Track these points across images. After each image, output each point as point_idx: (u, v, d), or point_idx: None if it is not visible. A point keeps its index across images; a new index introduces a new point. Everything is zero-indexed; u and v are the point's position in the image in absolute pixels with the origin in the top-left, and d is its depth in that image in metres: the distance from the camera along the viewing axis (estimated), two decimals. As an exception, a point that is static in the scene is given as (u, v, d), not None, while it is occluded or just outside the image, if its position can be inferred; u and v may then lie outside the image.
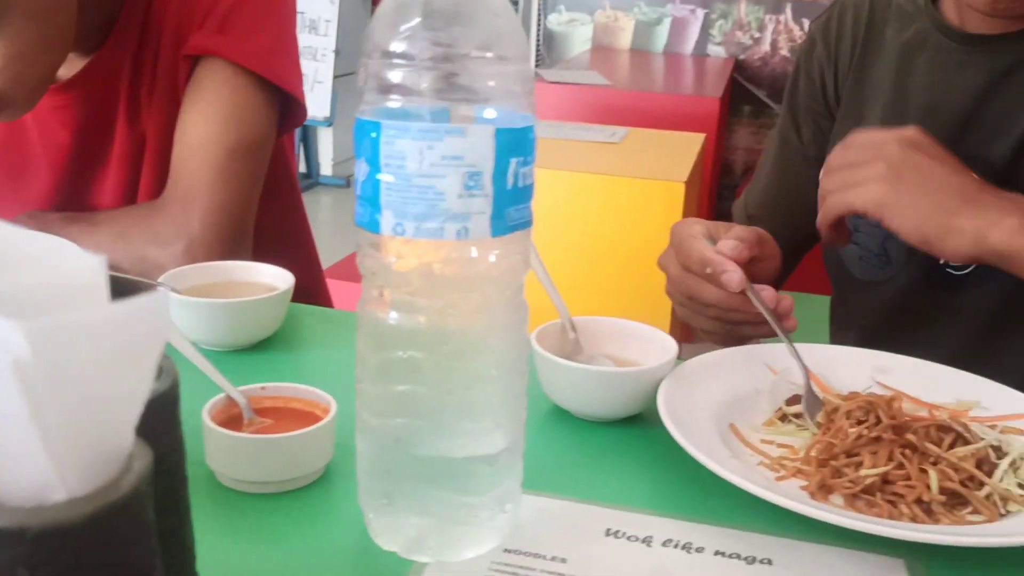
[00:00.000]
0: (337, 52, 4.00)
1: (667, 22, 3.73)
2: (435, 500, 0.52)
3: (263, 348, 0.81)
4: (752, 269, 0.80)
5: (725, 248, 0.76)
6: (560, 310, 0.76)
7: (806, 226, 1.07)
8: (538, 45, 3.89)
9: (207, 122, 0.91)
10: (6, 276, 0.31)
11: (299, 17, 3.93)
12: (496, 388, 0.52)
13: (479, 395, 0.52)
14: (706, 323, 0.83)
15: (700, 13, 3.70)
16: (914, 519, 0.59)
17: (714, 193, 3.54)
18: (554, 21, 3.85)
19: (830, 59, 1.03)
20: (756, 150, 3.73)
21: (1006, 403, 0.71)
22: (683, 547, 0.57)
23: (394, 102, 0.48)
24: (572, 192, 1.99)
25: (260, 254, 0.91)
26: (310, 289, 1.16)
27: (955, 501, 0.61)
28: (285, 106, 1.00)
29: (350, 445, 0.56)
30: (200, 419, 0.60)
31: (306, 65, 3.90)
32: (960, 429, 0.66)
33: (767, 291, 0.75)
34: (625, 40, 3.78)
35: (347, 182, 4.47)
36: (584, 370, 0.69)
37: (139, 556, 0.34)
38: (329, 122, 4.06)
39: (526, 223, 0.51)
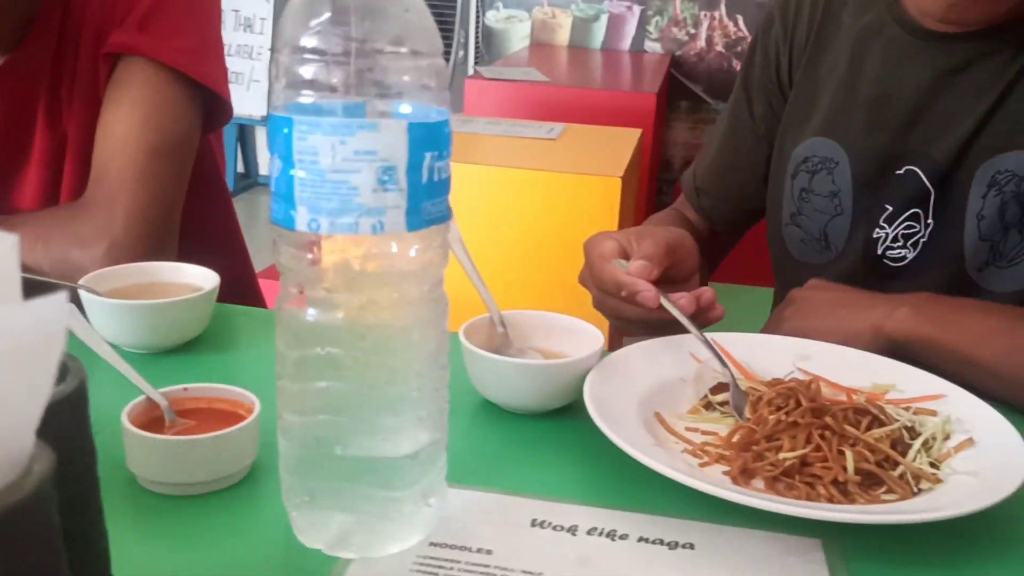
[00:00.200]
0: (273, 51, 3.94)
1: (604, 19, 3.76)
2: (357, 496, 0.52)
3: (190, 349, 0.80)
4: (669, 274, 0.81)
5: (635, 270, 0.77)
6: (488, 304, 0.76)
7: (753, 201, 1.10)
8: (476, 42, 3.89)
9: (128, 121, 0.89)
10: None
11: (234, 16, 3.88)
12: (417, 382, 0.52)
13: (399, 390, 0.52)
14: (638, 331, 0.84)
15: (637, 10, 3.73)
16: (831, 500, 0.61)
17: (653, 188, 3.58)
18: (492, 18, 3.86)
19: (786, 38, 1.03)
20: (694, 145, 3.78)
21: (920, 386, 0.73)
22: (607, 535, 0.58)
23: (306, 97, 0.48)
24: (509, 188, 1.99)
25: (187, 255, 0.90)
26: (241, 290, 1.15)
27: (870, 481, 0.63)
28: (210, 104, 0.98)
29: (276, 444, 0.56)
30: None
31: (241, 64, 3.85)
32: (876, 411, 0.68)
33: (683, 299, 0.76)
34: (563, 37, 3.80)
35: (287, 182, 4.38)
36: (510, 363, 0.70)
37: (42, 559, 0.33)
38: (266, 121, 3.99)
39: (443, 217, 0.51)
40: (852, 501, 0.61)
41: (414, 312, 0.51)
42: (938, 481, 0.63)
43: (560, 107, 2.78)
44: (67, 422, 0.39)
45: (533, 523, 0.59)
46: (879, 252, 0.94)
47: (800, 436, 0.64)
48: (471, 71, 3.67)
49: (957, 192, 0.89)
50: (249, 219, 0.81)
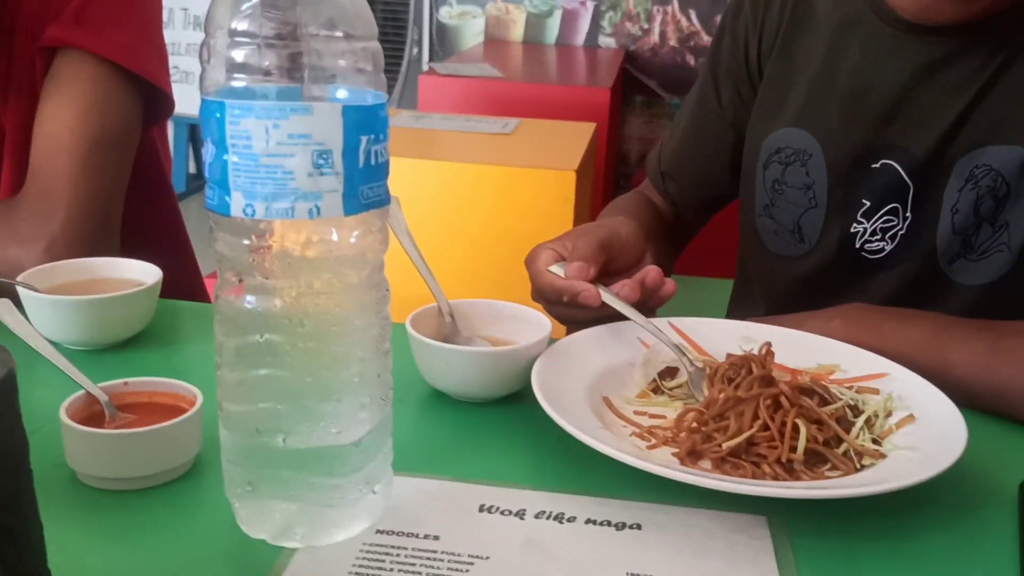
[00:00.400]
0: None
1: (558, 14, 3.77)
2: (300, 484, 0.52)
3: (133, 346, 0.79)
4: (610, 269, 0.81)
5: (572, 273, 0.77)
6: (435, 293, 0.76)
7: (719, 188, 1.09)
8: (430, 39, 3.88)
9: (66, 115, 0.87)
10: None
11: (183, 14, 3.83)
12: (358, 369, 0.52)
13: (341, 376, 0.51)
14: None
15: (590, 5, 3.75)
16: (776, 478, 0.62)
17: (610, 182, 3.60)
18: (445, 14, 3.85)
19: (756, 24, 1.01)
20: (650, 139, 3.80)
21: (863, 366, 0.74)
22: (555, 518, 0.58)
23: (238, 81, 0.47)
24: (464, 183, 1.99)
25: (130, 253, 0.88)
26: (187, 291, 1.13)
27: (815, 459, 0.64)
28: (150, 98, 0.97)
29: (219, 437, 0.55)
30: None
31: (192, 63, 3.80)
32: (820, 391, 0.69)
33: (625, 288, 0.76)
34: (517, 33, 3.80)
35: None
36: (457, 351, 0.70)
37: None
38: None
39: (382, 201, 0.51)
40: (797, 479, 0.62)
41: (354, 298, 0.51)
42: (881, 457, 0.64)
43: (515, 102, 2.78)
44: (-7, 414, 0.39)
45: (481, 508, 0.59)
46: (857, 246, 0.94)
47: (748, 413, 0.64)
48: (425, 68, 3.65)
49: (934, 186, 0.89)
50: (200, 221, 0.79)
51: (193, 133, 4.22)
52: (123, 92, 0.91)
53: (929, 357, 0.74)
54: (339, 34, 0.48)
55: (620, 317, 0.77)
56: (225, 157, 0.47)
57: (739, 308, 1.12)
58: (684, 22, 3.71)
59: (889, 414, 0.68)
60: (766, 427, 0.64)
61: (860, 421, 0.67)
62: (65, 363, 0.61)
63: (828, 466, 0.63)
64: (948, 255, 0.90)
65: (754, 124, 1.01)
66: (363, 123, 0.48)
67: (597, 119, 2.56)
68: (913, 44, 0.89)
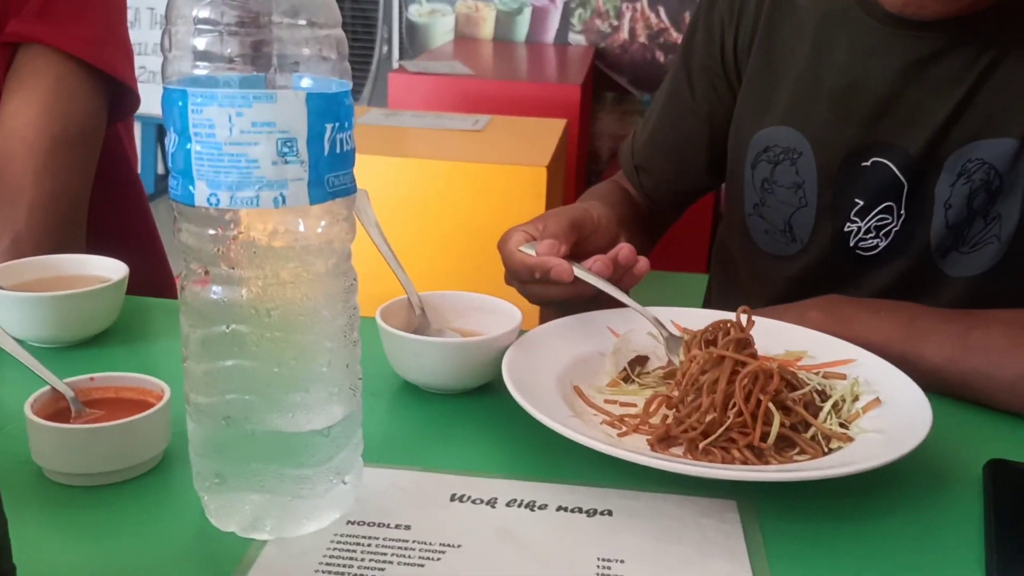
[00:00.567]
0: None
1: (527, 12, 3.77)
2: (270, 476, 0.52)
3: (100, 342, 0.78)
4: (582, 250, 0.81)
5: (543, 250, 0.77)
6: (405, 286, 0.76)
7: (693, 180, 1.08)
8: (400, 37, 3.87)
9: (30, 111, 0.86)
10: None
11: (150, 13, 3.79)
12: (327, 358, 0.52)
13: (309, 366, 0.51)
14: (579, 311, 0.83)
15: (560, 2, 3.75)
16: (745, 462, 0.62)
17: (582, 179, 3.60)
18: (415, 12, 3.84)
19: (732, 19, 0.99)
20: (621, 136, 3.81)
21: (831, 352, 0.74)
22: (526, 506, 0.58)
23: (201, 70, 0.47)
24: (436, 180, 1.99)
25: (98, 249, 0.87)
26: (157, 286, 1.12)
27: (783, 444, 0.64)
28: (115, 93, 0.96)
29: (187, 430, 0.55)
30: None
31: (159, 62, 3.76)
32: (788, 377, 0.70)
33: (597, 263, 0.76)
34: (487, 30, 3.80)
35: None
36: (427, 342, 0.69)
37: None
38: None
39: (348, 190, 0.51)
40: (766, 463, 0.62)
41: (321, 287, 0.51)
42: (848, 440, 0.64)
43: (485, 100, 2.78)
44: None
45: (452, 498, 0.59)
46: (851, 244, 0.94)
47: (722, 380, 0.64)
48: (395, 66, 3.64)
49: (928, 182, 0.89)
50: (170, 220, 0.77)
51: (161, 133, 4.18)
52: (87, 87, 0.90)
53: (900, 347, 0.75)
54: (302, 22, 0.48)
55: (594, 296, 0.77)
56: (188, 146, 0.47)
57: (721, 304, 1.11)
58: (653, 19, 3.73)
59: (856, 398, 0.68)
60: (740, 413, 0.65)
61: (827, 406, 0.67)
62: (30, 360, 0.61)
63: (796, 450, 0.64)
64: (941, 249, 0.91)
65: (739, 121, 1.00)
66: (328, 111, 0.48)
67: (568, 116, 2.56)
68: (902, 40, 0.87)
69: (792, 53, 0.95)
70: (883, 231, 0.92)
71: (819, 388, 0.69)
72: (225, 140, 0.46)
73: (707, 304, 1.15)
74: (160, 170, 4.12)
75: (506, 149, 2.11)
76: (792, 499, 0.60)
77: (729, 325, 0.70)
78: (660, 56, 3.73)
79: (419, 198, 1.98)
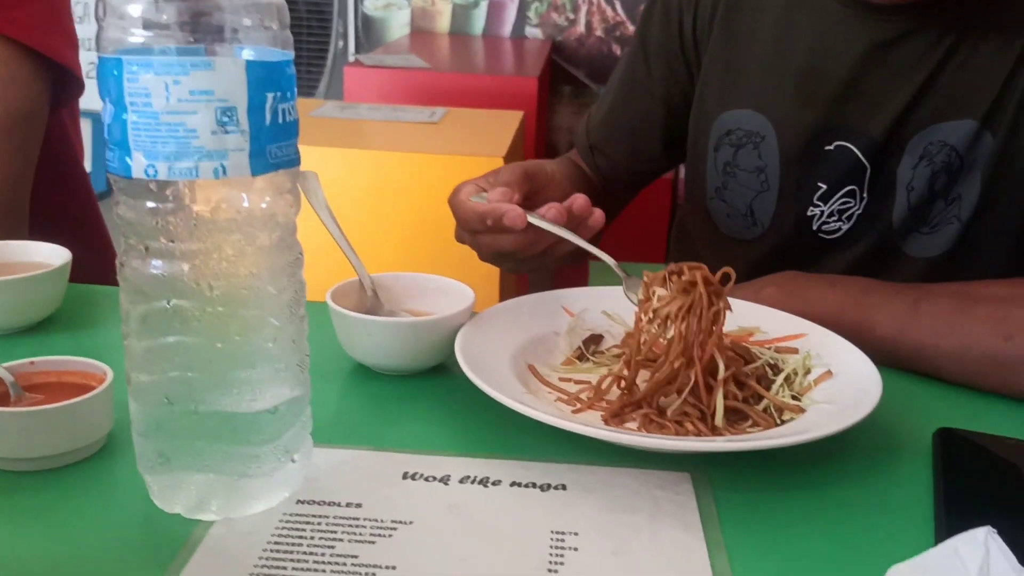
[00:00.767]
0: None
1: (484, 5, 3.76)
2: (215, 454, 0.51)
3: (42, 330, 0.77)
4: (534, 203, 0.79)
5: (494, 197, 0.75)
6: (356, 267, 0.75)
7: (648, 161, 1.08)
8: (356, 31, 3.84)
9: (-32, 96, 0.84)
10: None
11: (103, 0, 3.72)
12: (272, 334, 0.51)
13: (254, 342, 0.50)
14: (531, 266, 0.81)
15: (516, -4, 3.75)
16: (699, 435, 0.62)
17: (540, 172, 3.60)
18: (371, 6, 3.81)
19: (691, 0, 0.99)
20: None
21: (783, 327, 0.75)
22: (480, 482, 0.58)
23: (136, 38, 0.46)
24: (392, 172, 1.97)
25: (42, 236, 0.85)
26: (103, 275, 1.10)
27: (736, 416, 0.64)
28: (59, 78, 0.94)
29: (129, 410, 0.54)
30: (-41, 399, 0.56)
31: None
32: (741, 352, 0.70)
33: (551, 211, 0.74)
34: (443, 24, 3.79)
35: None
36: (377, 322, 0.69)
37: None
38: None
39: (291, 162, 0.50)
40: (719, 435, 0.62)
41: (265, 261, 0.50)
42: (800, 411, 0.65)
43: (442, 93, 2.77)
44: None
45: (404, 476, 0.58)
46: (814, 228, 0.94)
47: (686, 322, 0.64)
48: (351, 60, 3.62)
49: (890, 165, 0.90)
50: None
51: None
52: (28, 71, 0.88)
53: (851, 318, 0.76)
54: (241, -11, 0.47)
55: (546, 250, 0.75)
56: (124, 116, 0.46)
57: None
58: (610, 12, 3.74)
59: (808, 371, 0.69)
60: (693, 390, 0.64)
61: (779, 379, 0.68)
62: (-34, 344, 0.59)
63: (749, 423, 0.64)
64: (903, 230, 0.91)
65: (701, 103, 1.00)
66: (268, 80, 0.47)
67: (525, 108, 2.56)
68: (866, 23, 0.88)
69: (755, 36, 0.95)
70: (846, 214, 0.93)
71: (772, 362, 0.70)
72: (162, 109, 0.45)
73: None
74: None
75: (463, 141, 2.10)
76: (745, 470, 0.60)
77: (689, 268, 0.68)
78: (617, 49, 3.74)
79: (375, 190, 1.96)
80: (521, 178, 0.78)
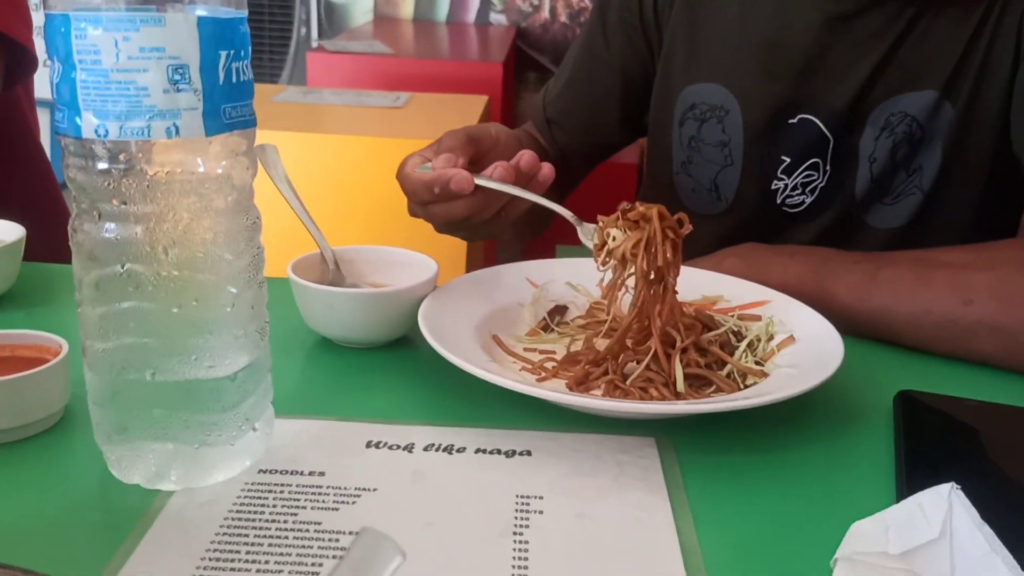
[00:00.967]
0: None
1: (448, -8, 3.74)
2: (173, 423, 0.50)
3: (-4, 308, 0.75)
4: (481, 165, 0.77)
5: (439, 164, 0.74)
6: (317, 239, 0.74)
7: (606, 134, 1.06)
8: (319, 17, 3.80)
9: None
10: None
11: (55, -5, 3.66)
12: (229, 300, 0.50)
13: (210, 308, 0.49)
14: (488, 231, 0.80)
15: (480, -18, 3.73)
16: (664, 400, 0.62)
17: (506, 159, 3.59)
18: (333, -7, 3.77)
19: None
20: (544, 116, 3.81)
21: (746, 295, 0.75)
22: (444, 449, 0.57)
23: (84, -6, 0.44)
24: (356, 156, 1.96)
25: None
26: (61, 254, 1.08)
27: (700, 383, 0.65)
28: (12, 55, 0.92)
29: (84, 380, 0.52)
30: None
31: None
32: (706, 320, 0.70)
33: (498, 170, 0.72)
34: (407, 10, 3.76)
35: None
36: (339, 293, 0.68)
37: None
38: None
39: (247, 123, 0.49)
40: (683, 400, 0.62)
41: (222, 224, 0.49)
42: (763, 376, 0.65)
43: (406, 79, 2.75)
44: None
45: (368, 444, 0.58)
46: (778, 202, 0.95)
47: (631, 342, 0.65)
48: (314, 46, 3.58)
49: (852, 137, 0.90)
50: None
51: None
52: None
53: (811, 288, 0.76)
54: (192, -54, 0.46)
55: (500, 212, 0.74)
56: (73, 75, 0.45)
57: None
58: (574, -2, 3.73)
59: (771, 337, 0.69)
60: (655, 357, 0.65)
61: (743, 345, 0.68)
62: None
63: (713, 388, 0.65)
64: (865, 202, 0.92)
65: (666, 77, 0.99)
66: (221, 37, 0.46)
67: (490, 94, 2.55)
68: None
69: (718, 9, 0.95)
70: (809, 187, 0.94)
71: (735, 329, 0.70)
72: (112, 67, 0.44)
73: None
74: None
75: (427, 124, 2.09)
76: (709, 434, 0.60)
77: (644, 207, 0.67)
78: (581, 35, 3.73)
79: (340, 175, 1.95)
80: (465, 143, 0.77)
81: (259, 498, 0.51)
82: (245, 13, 0.48)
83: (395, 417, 0.61)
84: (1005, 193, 0.93)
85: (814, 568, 0.47)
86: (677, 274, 0.65)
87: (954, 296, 0.71)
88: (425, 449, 0.57)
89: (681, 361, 0.65)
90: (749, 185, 0.96)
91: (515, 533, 0.49)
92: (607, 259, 0.66)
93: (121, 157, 0.46)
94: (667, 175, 1.01)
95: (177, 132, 0.45)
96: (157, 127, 0.45)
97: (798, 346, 0.67)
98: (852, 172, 0.92)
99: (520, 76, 3.78)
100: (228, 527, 0.49)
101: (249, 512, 0.50)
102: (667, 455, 0.58)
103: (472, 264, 2.03)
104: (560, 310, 0.76)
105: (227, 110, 0.47)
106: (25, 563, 0.44)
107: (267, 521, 0.49)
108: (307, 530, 0.49)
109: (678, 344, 0.65)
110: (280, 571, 0.45)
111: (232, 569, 0.45)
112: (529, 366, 0.68)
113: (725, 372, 0.65)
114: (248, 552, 0.47)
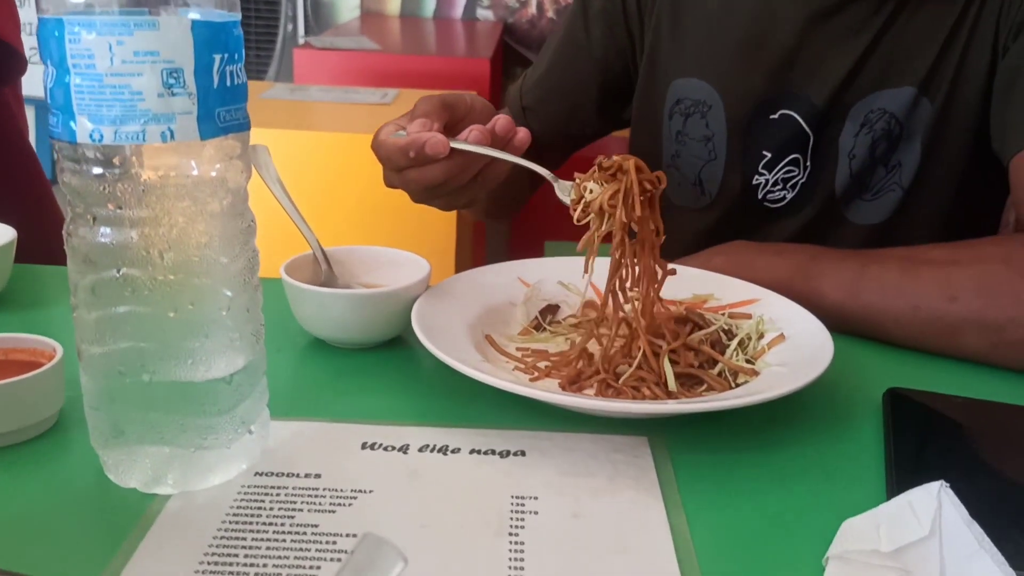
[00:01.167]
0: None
1: (434, -13, 3.73)
2: (170, 426, 0.50)
3: (-13, 310, 0.75)
4: (456, 131, 0.76)
5: (414, 129, 0.72)
6: (310, 240, 0.74)
7: (582, 124, 1.05)
8: (305, 14, 3.79)
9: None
10: None
11: (39, -9, 3.63)
12: (225, 303, 0.50)
13: (206, 312, 0.49)
14: (465, 197, 0.78)
15: (467, -22, 3.72)
16: (655, 400, 0.63)
17: (494, 155, 3.59)
18: (319, -12, 3.76)
19: None
20: (532, 112, 3.80)
21: (736, 293, 0.76)
22: (439, 450, 0.58)
23: (78, -1, 0.44)
24: (345, 154, 1.95)
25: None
26: (55, 254, 1.07)
27: (691, 381, 0.65)
28: (1, 57, 0.91)
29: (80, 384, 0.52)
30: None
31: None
32: (696, 319, 0.71)
33: (473, 132, 0.71)
34: (393, 6, 3.75)
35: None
36: (332, 294, 0.68)
37: None
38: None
39: (241, 126, 0.49)
40: (675, 399, 0.63)
41: (217, 227, 0.49)
42: (754, 374, 0.65)
43: (393, 75, 2.75)
44: None
45: (363, 446, 0.58)
46: (759, 197, 0.95)
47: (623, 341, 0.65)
48: (301, 43, 3.57)
49: (832, 133, 0.91)
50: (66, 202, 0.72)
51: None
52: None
53: (800, 286, 0.77)
54: (186, -50, 0.46)
55: (476, 178, 0.73)
56: (67, 79, 0.45)
57: None
58: (561, -6, 3.73)
59: (761, 336, 0.70)
60: (645, 356, 0.65)
61: (733, 343, 0.68)
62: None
63: (704, 387, 0.65)
64: (845, 198, 0.93)
65: (654, 70, 0.99)
66: (215, 40, 0.46)
67: (478, 90, 2.54)
68: None
69: (701, 4, 0.96)
70: (790, 183, 0.94)
71: (726, 327, 0.70)
72: (106, 71, 0.44)
73: None
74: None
75: (416, 121, 2.09)
76: (701, 432, 0.61)
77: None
78: (568, 31, 3.73)
79: (329, 172, 1.95)
80: (439, 108, 0.76)
81: (256, 501, 0.52)
82: (238, 16, 0.48)
83: (389, 418, 0.62)
84: (984, 190, 0.94)
85: (806, 565, 0.48)
86: (656, 233, 0.65)
87: (940, 293, 0.72)
88: (420, 450, 0.58)
89: (672, 360, 0.65)
90: (732, 179, 0.97)
91: (510, 534, 0.50)
92: (584, 213, 0.66)
93: (116, 162, 0.46)
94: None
95: (172, 136, 0.45)
96: (152, 131, 0.45)
97: (788, 344, 0.68)
98: (832, 168, 0.93)
99: (507, 72, 3.77)
100: (226, 530, 0.49)
101: (246, 515, 0.50)
102: (660, 454, 0.58)
103: (461, 259, 2.03)
104: (552, 309, 0.76)
105: (221, 113, 0.47)
106: (21, 568, 0.44)
107: (264, 524, 0.50)
108: (304, 532, 0.49)
109: (665, 346, 0.65)
110: (279, 574, 0.46)
111: (231, 573, 0.46)
112: (522, 366, 0.68)
113: (716, 371, 0.66)
114: (246, 555, 0.47)
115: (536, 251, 2.58)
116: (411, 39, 3.40)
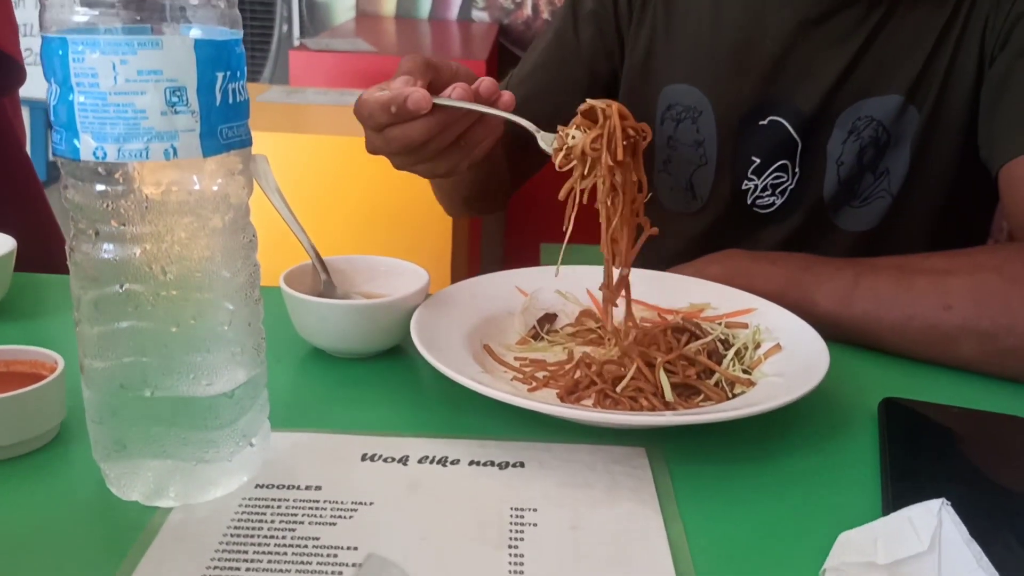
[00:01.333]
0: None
1: (430, -11, 3.73)
2: (171, 440, 0.50)
3: (-13, 320, 0.75)
4: (441, 90, 0.74)
5: (397, 85, 0.71)
6: (308, 250, 0.74)
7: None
8: (300, 15, 3.79)
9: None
10: None
11: (34, -8, 3.63)
12: (227, 317, 0.50)
13: (208, 326, 0.50)
14: (449, 161, 0.76)
15: (462, -21, 3.73)
16: (653, 411, 0.63)
17: (489, 157, 3.59)
18: (315, -10, 3.76)
19: None
20: (527, 113, 3.80)
21: (732, 302, 0.76)
22: (439, 462, 0.58)
23: (81, 16, 0.45)
24: (341, 157, 1.96)
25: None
26: (52, 263, 1.07)
27: (688, 392, 0.66)
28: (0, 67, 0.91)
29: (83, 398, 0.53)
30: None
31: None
32: (693, 328, 0.71)
33: (457, 89, 0.70)
34: (389, 8, 3.75)
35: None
36: (331, 304, 0.68)
37: None
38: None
39: (243, 142, 0.49)
40: (672, 410, 0.63)
41: (219, 243, 0.49)
42: (751, 384, 0.66)
43: (389, 77, 2.73)
44: None
45: (363, 458, 0.58)
46: (748, 202, 0.96)
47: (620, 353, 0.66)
48: (296, 45, 3.57)
49: (820, 140, 0.92)
50: (61, 206, 0.73)
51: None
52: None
53: (795, 295, 0.77)
54: (188, -32, 0.46)
55: (461, 138, 0.72)
56: (71, 98, 0.45)
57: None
58: (556, -5, 3.73)
59: (758, 345, 0.70)
60: (641, 367, 0.66)
61: (730, 353, 0.69)
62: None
63: (701, 397, 0.65)
64: (834, 204, 0.94)
65: (647, 75, 1.00)
66: (218, 59, 0.46)
67: (473, 91, 2.55)
68: None
69: (692, 10, 0.96)
70: (779, 189, 0.95)
71: (722, 337, 0.71)
72: (110, 89, 0.44)
73: None
74: (51, 156, 3.96)
75: (412, 124, 2.09)
76: (699, 444, 0.61)
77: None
78: (564, 32, 3.73)
79: (326, 175, 1.95)
80: (423, 67, 0.74)
81: (257, 513, 0.52)
82: (240, 34, 0.48)
83: (389, 429, 0.62)
84: (974, 196, 0.95)
85: (803, 577, 0.48)
86: (640, 186, 0.65)
87: (935, 302, 0.73)
88: (419, 461, 0.58)
89: (669, 371, 0.66)
90: (722, 184, 0.97)
91: (510, 546, 0.50)
92: (566, 160, 0.65)
93: (119, 179, 0.46)
94: (648, 173, 1.02)
95: (175, 153, 0.46)
96: (155, 149, 0.45)
97: (784, 354, 0.68)
98: (820, 175, 0.93)
99: (503, 73, 3.76)
100: (228, 543, 0.49)
101: (248, 528, 0.51)
102: (658, 465, 0.59)
103: (457, 261, 2.03)
104: (550, 318, 0.77)
105: (224, 130, 0.47)
106: (27, 583, 0.44)
107: (266, 537, 0.50)
108: (305, 545, 0.49)
109: (660, 358, 0.66)
110: (280, 587, 0.46)
111: (233, 586, 0.46)
112: (520, 376, 0.68)
113: (713, 381, 0.66)
114: (248, 569, 0.47)
115: (531, 252, 2.58)
116: (407, 40, 3.40)
